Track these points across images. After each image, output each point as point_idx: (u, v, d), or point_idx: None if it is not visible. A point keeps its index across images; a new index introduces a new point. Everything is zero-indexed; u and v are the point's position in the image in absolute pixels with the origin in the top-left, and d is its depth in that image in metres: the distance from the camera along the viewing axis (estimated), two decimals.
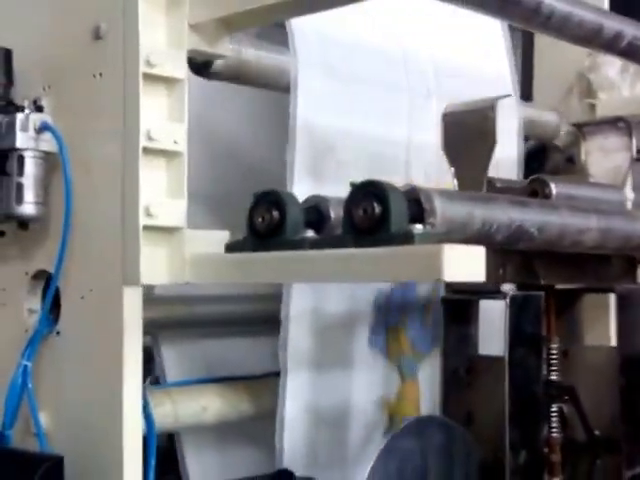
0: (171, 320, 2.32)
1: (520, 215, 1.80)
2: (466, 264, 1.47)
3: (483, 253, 1.49)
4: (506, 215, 1.77)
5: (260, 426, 2.18)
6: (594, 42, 2.17)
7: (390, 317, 2.25)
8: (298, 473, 2.00)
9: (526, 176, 2.91)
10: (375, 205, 1.57)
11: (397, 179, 2.24)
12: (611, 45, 2.19)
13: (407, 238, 1.52)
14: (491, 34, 2.61)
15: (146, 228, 1.74)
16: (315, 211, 1.74)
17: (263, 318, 2.20)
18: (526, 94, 3.00)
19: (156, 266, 1.77)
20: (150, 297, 2.28)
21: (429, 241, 1.51)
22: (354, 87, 2.19)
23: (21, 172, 1.80)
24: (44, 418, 1.86)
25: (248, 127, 2.40)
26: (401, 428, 1.81)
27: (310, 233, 1.72)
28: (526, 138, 2.90)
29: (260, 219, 1.71)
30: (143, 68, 1.74)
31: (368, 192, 1.58)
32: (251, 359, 2.27)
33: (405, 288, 2.26)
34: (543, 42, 2.95)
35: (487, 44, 2.61)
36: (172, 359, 2.30)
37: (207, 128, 2.38)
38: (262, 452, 2.20)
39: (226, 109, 2.40)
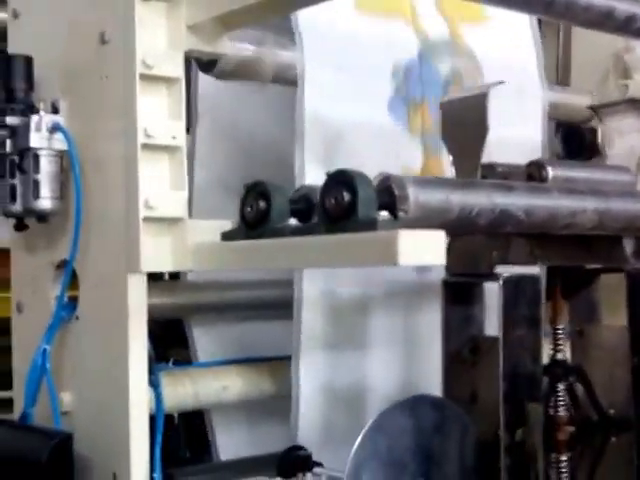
0: (202, 304, 2.45)
1: (504, 199, 1.85)
2: (424, 248, 1.55)
3: (442, 237, 1.57)
4: (489, 200, 1.83)
5: (286, 405, 2.29)
6: (606, 25, 2.20)
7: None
8: (312, 450, 2.09)
9: (564, 158, 2.96)
10: (344, 194, 1.65)
11: (413, 166, 2.35)
12: (624, 27, 2.21)
13: (371, 225, 1.61)
14: (516, 22, 2.65)
15: (147, 219, 1.87)
16: (303, 200, 1.83)
17: (288, 302, 2.31)
18: (564, 79, 3.03)
19: (160, 254, 1.90)
20: (182, 283, 2.45)
21: (391, 227, 1.59)
22: (362, 77, 2.27)
23: (37, 169, 1.96)
24: (66, 398, 2.01)
25: (272, 122, 2.50)
26: (392, 405, 1.89)
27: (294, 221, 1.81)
28: (561, 122, 2.94)
29: (249, 208, 1.81)
30: (140, 69, 1.87)
31: (339, 181, 1.67)
32: (277, 341, 2.37)
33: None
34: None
35: (512, 32, 2.65)
36: (203, 341, 2.43)
37: (234, 124, 2.50)
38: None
39: (251, 105, 2.51)
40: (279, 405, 2.28)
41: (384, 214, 1.67)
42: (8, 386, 2.21)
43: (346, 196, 1.65)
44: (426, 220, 1.73)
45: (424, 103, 2.37)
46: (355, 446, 1.81)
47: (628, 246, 2.27)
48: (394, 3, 2.39)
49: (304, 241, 1.69)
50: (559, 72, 3.02)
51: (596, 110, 2.40)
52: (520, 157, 2.19)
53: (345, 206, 1.65)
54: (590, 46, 2.95)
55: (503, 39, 2.61)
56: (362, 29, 2.32)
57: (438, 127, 2.06)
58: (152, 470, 1.88)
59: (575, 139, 2.82)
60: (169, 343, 2.46)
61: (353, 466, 1.81)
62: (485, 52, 2.54)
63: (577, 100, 2.82)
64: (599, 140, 2.39)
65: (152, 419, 1.94)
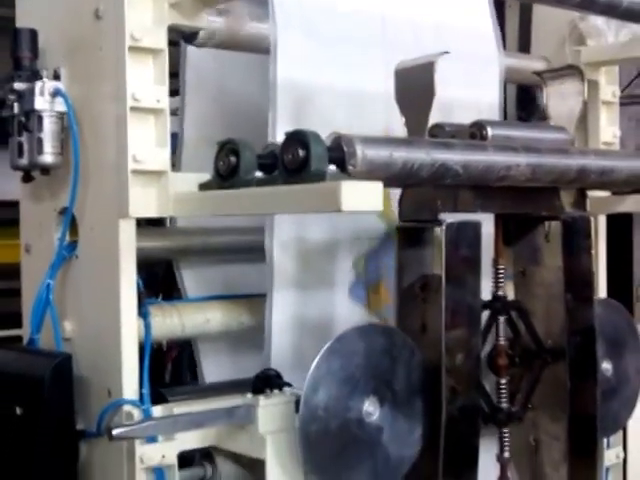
0: (189, 248, 2.76)
1: (443, 155, 2.14)
2: (364, 197, 1.85)
3: (380, 188, 1.86)
4: (429, 156, 2.12)
5: (262, 336, 2.59)
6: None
7: (370, 277, 2.63)
8: (284, 374, 2.40)
9: (520, 118, 3.25)
10: (299, 150, 1.95)
11: (377, 129, 2.63)
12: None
13: (320, 177, 1.91)
14: None
15: (135, 172, 2.17)
16: (269, 156, 2.12)
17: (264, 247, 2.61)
18: (525, 47, 3.30)
19: (146, 202, 2.20)
20: (172, 230, 2.75)
21: (338, 179, 1.89)
22: (331, 45, 2.54)
23: (41, 129, 2.26)
24: (67, 326, 2.33)
25: (252, 86, 2.77)
26: (344, 332, 2.19)
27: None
28: (520, 85, 3.22)
29: (222, 163, 2.11)
30: (129, 42, 2.16)
31: (295, 139, 1.97)
32: (254, 281, 2.67)
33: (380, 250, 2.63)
34: None
35: (470, 3, 2.92)
36: (190, 280, 2.74)
37: (219, 88, 2.79)
38: None
39: (234, 71, 2.80)
40: (256, 336, 2.58)
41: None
42: (18, 325, 2.52)
43: (301, 152, 1.95)
44: (372, 173, 2.02)
45: None
46: (313, 366, 2.12)
47: (565, 197, 2.57)
48: None
49: (266, 191, 1.99)
50: (520, 40, 3.28)
51: (541, 75, 2.67)
52: (478, 117, 2.47)
53: (300, 161, 1.95)
54: (549, 15, 3.22)
55: (462, 9, 2.88)
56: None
57: None
58: (141, 386, 2.19)
59: (529, 102, 3.10)
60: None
61: (311, 383, 2.12)
62: (444, 20, 2.81)
63: (532, 65, 3.09)
64: (544, 102, 2.65)
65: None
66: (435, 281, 2.36)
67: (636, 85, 7.93)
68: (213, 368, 2.73)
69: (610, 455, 3.08)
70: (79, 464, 2.27)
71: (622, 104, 3.16)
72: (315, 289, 2.56)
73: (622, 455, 3.13)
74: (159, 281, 2.85)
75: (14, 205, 2.62)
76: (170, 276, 2.79)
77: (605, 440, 3.04)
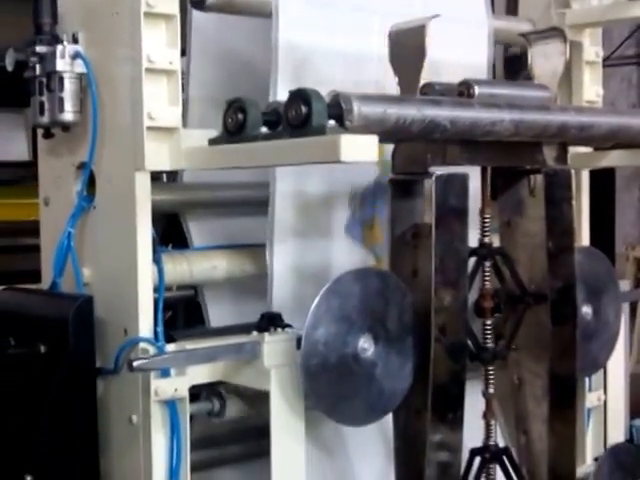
0: (196, 201, 2.95)
1: (432, 112, 2.33)
2: (361, 149, 2.04)
3: (375, 141, 2.05)
4: (419, 112, 2.30)
5: (264, 283, 2.78)
6: None
7: (365, 215, 2.82)
8: (285, 318, 2.59)
9: (508, 78, 3.43)
10: (302, 107, 2.13)
11: (372, 88, 2.81)
12: None
13: (321, 131, 2.09)
14: None
15: (150, 128, 2.35)
16: (273, 113, 2.30)
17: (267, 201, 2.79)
18: (512, 9, 3.47)
19: (160, 156, 2.39)
20: (180, 184, 2.93)
21: (337, 133, 2.07)
22: (329, 10, 2.72)
23: (61, 89, 2.43)
24: (86, 272, 2.52)
25: (255, 48, 2.94)
26: (342, 275, 2.39)
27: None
28: (507, 46, 3.39)
29: (230, 119, 2.29)
30: (144, 8, 2.33)
31: (298, 97, 2.15)
32: (258, 233, 2.85)
33: (375, 191, 2.82)
34: None
35: None
36: (196, 232, 2.92)
37: (223, 51, 2.96)
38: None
39: (239, 33, 2.96)
40: (258, 285, 2.78)
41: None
42: (38, 280, 2.69)
43: (303, 109, 2.13)
44: (368, 128, 2.20)
45: None
46: (313, 305, 2.32)
47: (547, 151, 2.75)
48: None
49: (272, 144, 2.18)
50: (508, 3, 3.46)
51: (526, 37, 2.84)
52: (467, 76, 2.64)
53: (302, 117, 2.13)
54: None
55: None
56: None
57: None
58: (156, 325, 2.38)
59: (515, 62, 3.27)
60: None
61: (312, 320, 2.32)
62: None
63: (519, 27, 3.26)
64: (529, 62, 2.83)
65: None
66: (426, 229, 2.55)
67: (628, 46, 8.11)
68: (219, 314, 2.92)
69: (592, 398, 3.27)
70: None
71: (614, 65, 3.33)
72: (314, 238, 2.75)
73: (603, 398, 3.32)
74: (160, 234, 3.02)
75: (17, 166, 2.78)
76: (171, 229, 2.96)
77: (587, 383, 3.24)
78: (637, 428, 4.90)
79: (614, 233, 8.41)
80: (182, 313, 3.05)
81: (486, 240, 2.69)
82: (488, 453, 2.67)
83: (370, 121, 2.22)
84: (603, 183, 3.77)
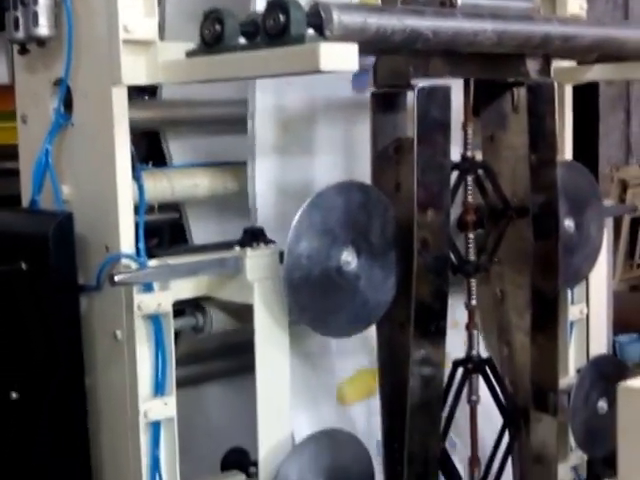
0: (175, 119, 2.92)
1: (413, 21, 2.29)
2: (340, 58, 2.01)
3: (355, 49, 2.02)
4: (400, 22, 2.27)
5: (246, 201, 2.77)
6: None
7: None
8: (268, 233, 2.58)
9: None
10: (280, 16, 2.10)
11: None
12: None
13: (300, 40, 2.06)
14: None
15: (126, 41, 2.31)
16: (251, 23, 2.26)
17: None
18: None
19: (136, 71, 2.35)
20: (159, 101, 2.90)
21: (315, 41, 2.04)
22: None
23: (35, 2, 2.38)
24: (66, 190, 2.49)
25: None
26: (325, 188, 2.38)
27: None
28: None
29: (207, 31, 2.26)
30: None
31: (276, 6, 2.11)
32: (239, 150, 2.83)
33: None
34: None
35: None
36: (177, 150, 2.90)
37: None
38: None
39: None
40: (241, 202, 2.76)
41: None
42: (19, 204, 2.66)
43: (282, 17, 2.09)
44: (347, 38, 2.16)
45: None
46: (296, 218, 2.31)
47: (531, 64, 2.72)
48: None
49: (250, 55, 2.15)
50: None
51: None
52: None
53: (281, 26, 2.09)
54: None
55: None
56: None
57: None
58: (137, 241, 2.37)
59: None
60: None
61: (295, 234, 2.31)
62: None
63: None
64: None
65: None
66: (408, 143, 2.53)
67: None
68: (202, 233, 2.91)
69: (574, 310, 3.29)
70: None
71: None
72: (295, 154, 2.73)
73: (586, 311, 3.34)
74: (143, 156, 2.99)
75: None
76: (153, 151, 2.93)
77: (569, 296, 3.26)
78: (620, 343, 4.98)
79: (598, 154, 8.43)
80: (167, 238, 3.04)
81: (468, 154, 2.67)
82: (471, 364, 2.69)
83: (350, 30, 2.18)
84: (587, 105, 3.75)
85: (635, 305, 6.01)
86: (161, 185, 2.64)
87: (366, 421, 2.78)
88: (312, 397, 2.73)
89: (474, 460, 2.73)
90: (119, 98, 2.35)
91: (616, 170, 7.91)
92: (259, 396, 2.42)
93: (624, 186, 7.70)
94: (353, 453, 2.49)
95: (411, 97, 2.48)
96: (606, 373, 3.10)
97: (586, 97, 3.46)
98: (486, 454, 2.77)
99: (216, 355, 2.94)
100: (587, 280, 3.23)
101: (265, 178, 2.66)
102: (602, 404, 3.08)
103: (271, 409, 2.43)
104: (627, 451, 1.37)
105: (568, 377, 3.21)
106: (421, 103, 2.44)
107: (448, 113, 2.50)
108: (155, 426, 2.37)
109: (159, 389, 2.37)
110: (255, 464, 2.45)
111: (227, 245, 2.56)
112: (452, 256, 2.63)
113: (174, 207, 2.87)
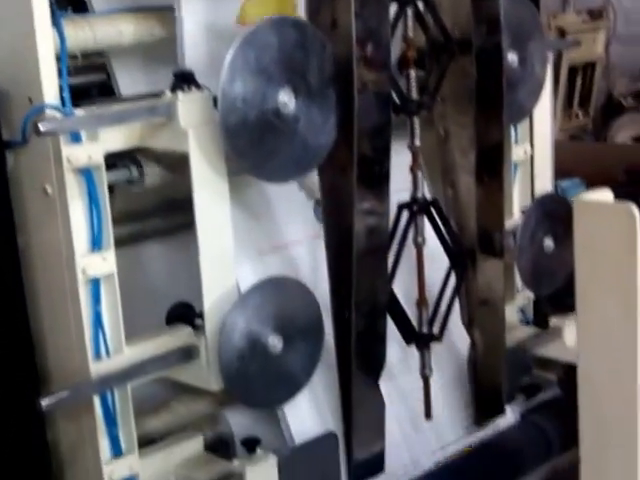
0: None
1: None
2: None
3: None
4: None
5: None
6: None
7: None
8: (200, 80, 2.44)
9: None
10: None
11: None
12: None
13: None
14: None
15: None
16: None
17: None
18: None
19: None
20: None
21: None
22: None
23: None
24: None
25: None
26: (257, 25, 2.25)
27: None
28: None
29: None
30: None
31: None
32: None
33: None
34: None
35: None
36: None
37: None
38: None
39: None
40: (169, 51, 2.61)
41: None
42: None
43: None
44: None
45: None
46: (228, 57, 2.19)
47: None
48: None
49: None
50: None
51: None
52: None
53: None
54: None
55: None
56: None
57: None
58: (62, 92, 2.24)
59: None
60: None
61: (227, 75, 2.20)
62: None
63: None
64: None
65: None
66: None
67: None
68: (130, 84, 2.76)
69: (518, 151, 3.23)
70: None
71: None
72: None
73: (530, 152, 3.28)
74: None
75: None
76: None
77: (513, 137, 3.19)
78: (562, 188, 4.96)
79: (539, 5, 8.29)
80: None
81: None
82: (416, 205, 2.63)
83: None
84: None
85: (575, 154, 5.99)
86: (83, 33, 2.47)
87: (312, 268, 2.72)
88: (255, 246, 2.66)
89: (422, 302, 2.70)
90: None
91: (553, 18, 7.79)
92: (200, 246, 2.34)
93: (562, 33, 7.60)
94: (300, 299, 2.44)
95: None
96: (552, 212, 3.06)
97: None
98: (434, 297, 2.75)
99: (155, 213, 2.84)
100: (531, 119, 3.17)
101: (194, 18, 2.52)
102: (548, 243, 3.05)
103: (214, 259, 2.36)
104: (584, 266, 1.33)
105: (513, 219, 3.17)
106: None
107: None
108: (95, 283, 2.28)
109: (96, 244, 2.27)
110: (201, 316, 2.38)
111: (157, 95, 2.43)
112: (394, 95, 2.54)
113: (102, 68, 2.72)
